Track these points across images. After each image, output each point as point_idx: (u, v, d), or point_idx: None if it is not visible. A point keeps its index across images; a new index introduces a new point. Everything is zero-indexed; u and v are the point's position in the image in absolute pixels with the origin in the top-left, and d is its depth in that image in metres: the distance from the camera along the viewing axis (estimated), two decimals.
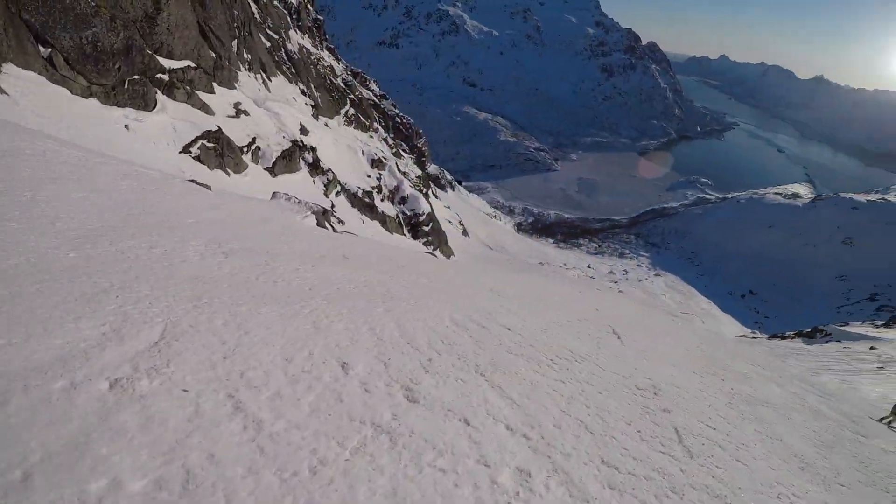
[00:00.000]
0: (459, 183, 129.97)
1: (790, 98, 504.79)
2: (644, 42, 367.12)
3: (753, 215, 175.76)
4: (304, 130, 43.45)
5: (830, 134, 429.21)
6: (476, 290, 14.03)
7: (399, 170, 61.44)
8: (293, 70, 56.98)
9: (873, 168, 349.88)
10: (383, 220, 48.71)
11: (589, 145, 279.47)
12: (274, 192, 20.52)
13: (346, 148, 52.34)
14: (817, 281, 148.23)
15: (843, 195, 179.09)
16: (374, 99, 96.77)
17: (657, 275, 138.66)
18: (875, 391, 37.38)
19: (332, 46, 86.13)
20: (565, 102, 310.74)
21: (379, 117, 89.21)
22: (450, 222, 78.66)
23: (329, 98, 63.84)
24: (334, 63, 79.12)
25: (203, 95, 30.56)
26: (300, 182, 37.72)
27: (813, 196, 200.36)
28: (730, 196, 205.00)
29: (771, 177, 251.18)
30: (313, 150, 41.75)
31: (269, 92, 46.03)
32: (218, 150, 27.79)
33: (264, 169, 33.96)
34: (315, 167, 40.94)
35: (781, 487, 6.95)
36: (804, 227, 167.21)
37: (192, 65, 29.73)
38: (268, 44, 51.94)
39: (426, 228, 56.89)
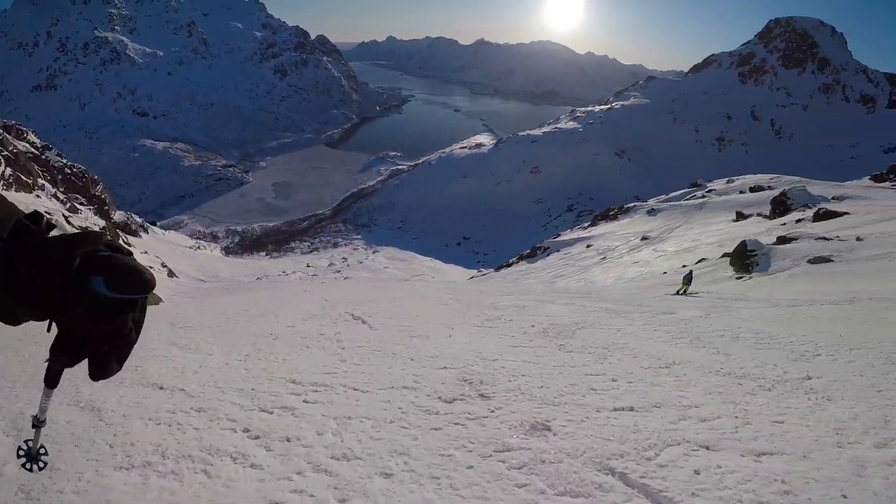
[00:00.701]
0: (153, 224, 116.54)
1: (457, 63, 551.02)
2: (313, 36, 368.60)
3: (447, 172, 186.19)
4: None
5: (499, 86, 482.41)
6: (142, 335, 8.09)
7: (73, 225, 50.85)
8: None
9: (542, 106, 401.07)
10: None
11: (276, 149, 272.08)
12: None
13: None
14: (519, 209, 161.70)
15: (521, 133, 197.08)
16: (35, 152, 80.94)
17: (375, 252, 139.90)
18: (609, 276, 39.68)
19: None
20: (244, 112, 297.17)
21: (43, 172, 74.45)
22: (151, 267, 68.62)
23: None
24: None
25: None
26: None
27: (495, 141, 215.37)
28: (420, 161, 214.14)
29: (454, 135, 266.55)
30: None
31: None
32: None
33: None
34: None
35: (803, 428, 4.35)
36: (494, 168, 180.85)
37: None
38: None
39: None
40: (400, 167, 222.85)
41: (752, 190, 59.28)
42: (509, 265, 65.89)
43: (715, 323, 10.48)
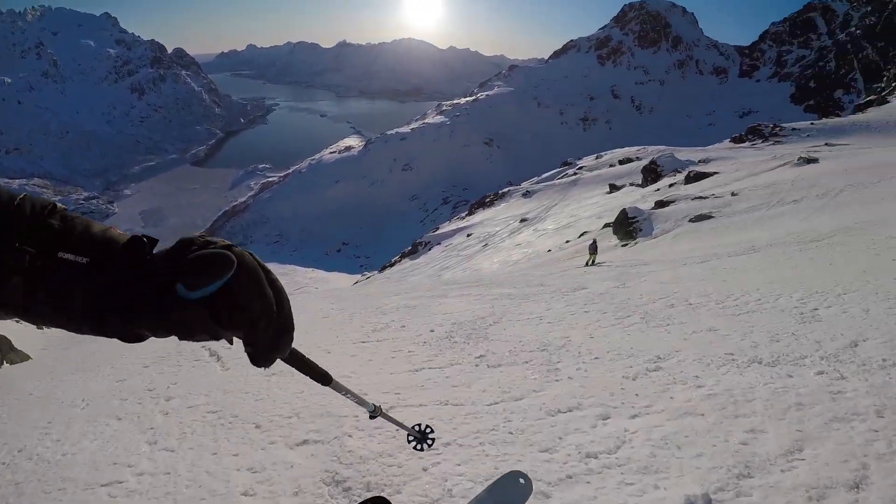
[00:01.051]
0: None
1: (320, 67, 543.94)
2: (170, 50, 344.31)
3: (318, 178, 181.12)
4: None
5: (363, 87, 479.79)
6: None
7: None
8: None
9: (408, 103, 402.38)
10: None
11: (140, 174, 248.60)
12: None
13: None
14: (396, 208, 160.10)
15: (389, 132, 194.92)
16: None
17: None
18: (494, 261, 39.25)
19: None
20: (103, 136, 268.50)
21: None
22: (18, 321, 61.69)
23: None
24: None
25: None
26: None
27: (364, 142, 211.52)
28: (291, 171, 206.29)
29: (322, 140, 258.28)
30: None
31: None
32: None
33: None
34: None
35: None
36: (366, 170, 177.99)
37: None
38: None
39: None
40: (271, 179, 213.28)
41: (621, 162, 60.54)
42: (392, 265, 64.10)
43: (643, 292, 9.13)
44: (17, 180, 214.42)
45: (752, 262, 12.04)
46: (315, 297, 20.94)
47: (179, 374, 6.98)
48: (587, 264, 19.72)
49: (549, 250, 33.88)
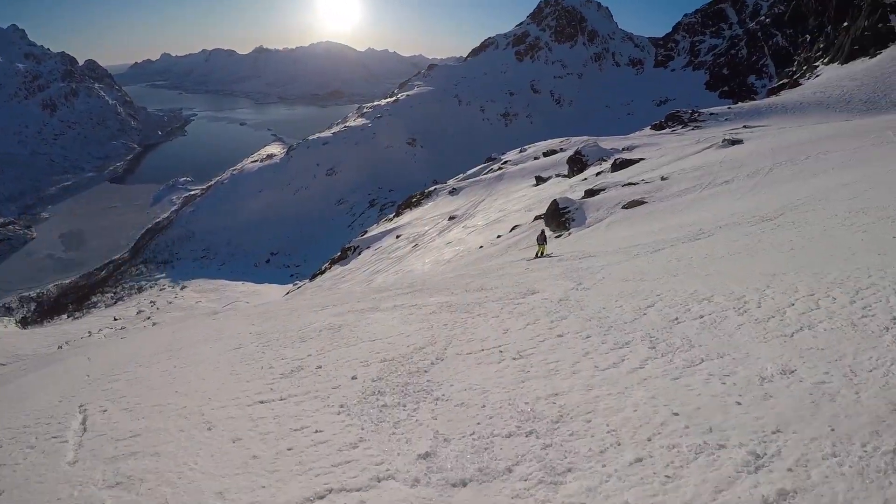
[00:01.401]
0: None
1: (238, 74, 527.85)
2: (81, 62, 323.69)
3: (242, 189, 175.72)
4: None
5: (282, 93, 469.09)
6: None
7: None
8: None
9: (329, 107, 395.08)
10: None
11: (57, 195, 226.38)
12: None
13: None
14: (322, 214, 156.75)
15: (311, 138, 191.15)
16: None
17: (183, 288, 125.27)
18: (426, 261, 37.13)
19: None
20: (16, 157, 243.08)
21: None
22: None
23: None
24: None
25: None
26: None
27: (286, 149, 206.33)
28: (213, 182, 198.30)
29: (244, 149, 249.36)
30: None
31: None
32: None
33: None
34: None
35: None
36: (290, 177, 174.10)
37: None
38: None
39: None
40: (193, 192, 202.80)
41: (545, 154, 60.21)
42: (323, 272, 62.03)
43: (613, 295, 7.30)
44: None
45: (717, 247, 10.44)
46: (240, 315, 18.46)
47: (18, 469, 4.94)
48: (536, 256, 18.27)
49: (481, 246, 32.58)
